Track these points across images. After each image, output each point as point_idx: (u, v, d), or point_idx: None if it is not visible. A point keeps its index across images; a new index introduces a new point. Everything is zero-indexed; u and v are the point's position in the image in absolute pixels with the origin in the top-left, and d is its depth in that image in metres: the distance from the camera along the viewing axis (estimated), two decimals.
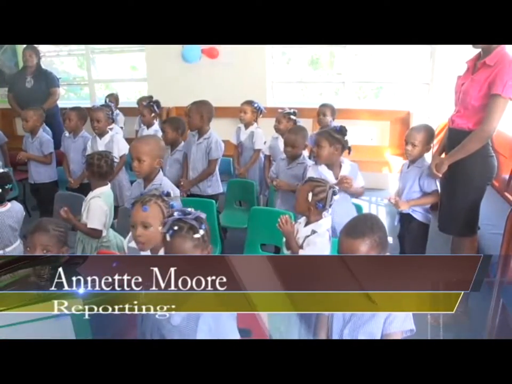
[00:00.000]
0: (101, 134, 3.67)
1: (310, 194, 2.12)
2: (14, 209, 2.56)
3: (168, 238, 1.48)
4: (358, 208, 2.96)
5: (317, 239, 2.07)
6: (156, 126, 4.28)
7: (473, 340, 1.27)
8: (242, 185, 3.71)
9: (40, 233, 1.79)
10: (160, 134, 3.98)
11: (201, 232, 1.50)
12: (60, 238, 1.84)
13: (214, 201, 3.06)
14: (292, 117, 3.73)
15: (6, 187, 2.54)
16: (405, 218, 2.84)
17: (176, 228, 1.47)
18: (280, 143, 3.44)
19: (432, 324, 2.68)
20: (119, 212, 2.81)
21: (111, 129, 3.91)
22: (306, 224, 2.16)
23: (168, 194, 1.94)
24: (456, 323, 2.66)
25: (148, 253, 1.85)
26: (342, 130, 2.71)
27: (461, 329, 2.60)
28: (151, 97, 4.82)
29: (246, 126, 4.01)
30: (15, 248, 2.54)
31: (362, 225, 1.50)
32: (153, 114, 4.29)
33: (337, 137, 2.67)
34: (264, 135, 4.05)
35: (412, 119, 4.96)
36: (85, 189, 3.16)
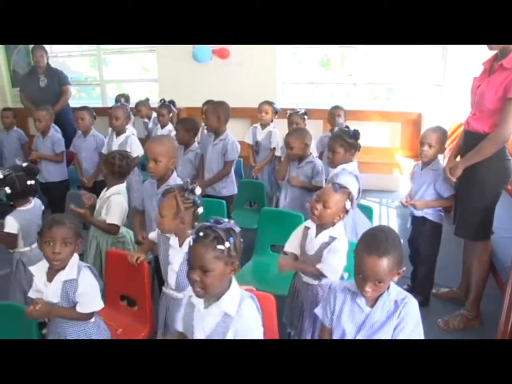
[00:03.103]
0: (119, 132, 3.71)
1: (349, 203, 2.05)
2: (36, 205, 2.59)
3: (191, 242, 1.44)
4: (369, 210, 2.94)
5: (339, 246, 2.01)
6: (170, 126, 4.31)
7: (483, 340, 1.25)
8: (253, 186, 3.71)
9: (58, 227, 1.79)
10: (173, 134, 4.01)
11: (227, 244, 1.40)
12: (76, 231, 1.85)
13: (224, 201, 3.06)
14: (305, 117, 3.75)
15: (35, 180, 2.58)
16: (418, 221, 2.82)
17: (201, 234, 1.41)
18: None
19: (442, 328, 2.67)
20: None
21: (128, 128, 3.95)
22: (320, 230, 2.07)
23: (192, 190, 1.94)
24: (467, 328, 2.64)
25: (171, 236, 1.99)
26: (356, 135, 2.70)
27: (472, 334, 2.57)
28: (126, 95, 4.91)
29: (263, 126, 4.03)
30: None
31: (384, 241, 1.46)
32: (171, 114, 4.30)
33: (351, 142, 2.67)
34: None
35: (423, 120, 4.93)
36: (96, 188, 3.17)
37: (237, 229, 1.47)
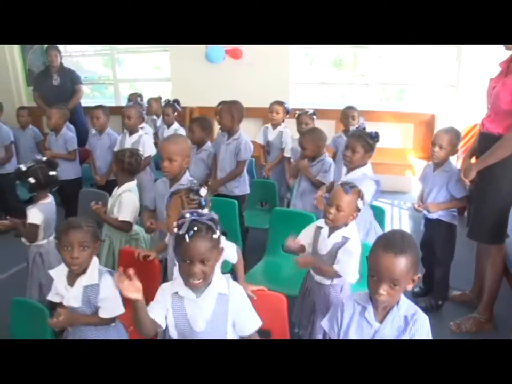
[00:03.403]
0: (132, 131, 3.74)
1: (360, 202, 2.05)
2: (52, 201, 2.65)
3: (187, 239, 1.45)
4: (381, 211, 2.92)
5: (353, 247, 2.00)
6: (176, 125, 4.35)
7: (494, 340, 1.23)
8: (265, 186, 3.71)
9: (75, 231, 1.79)
10: (179, 132, 4.06)
11: (218, 233, 1.50)
12: (93, 233, 1.86)
13: (236, 201, 3.07)
14: (314, 117, 3.75)
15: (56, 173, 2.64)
16: (431, 223, 2.79)
17: (195, 228, 1.45)
18: None
19: (454, 331, 2.64)
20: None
21: (142, 128, 3.97)
22: (333, 230, 2.06)
23: (197, 192, 1.96)
24: (480, 331, 2.61)
25: None
26: (377, 136, 2.69)
27: (485, 337, 2.54)
28: (138, 94, 4.94)
29: (274, 126, 4.03)
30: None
31: (401, 241, 1.44)
32: (175, 113, 4.33)
33: (371, 143, 2.66)
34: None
35: (436, 121, 4.88)
36: (109, 186, 3.20)
37: (216, 216, 1.55)
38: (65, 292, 1.83)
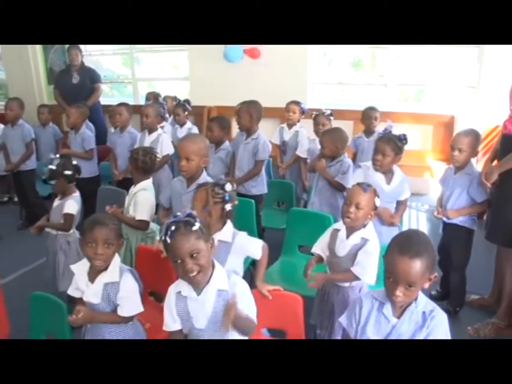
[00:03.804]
0: (150, 130, 3.76)
1: (377, 200, 2.06)
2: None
3: (168, 240, 1.50)
4: None
5: (372, 248, 2.00)
6: (189, 123, 4.37)
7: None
8: (282, 186, 3.71)
9: (100, 228, 1.80)
10: (193, 131, 4.08)
11: (197, 224, 1.53)
12: (117, 231, 1.88)
13: (253, 201, 3.07)
14: (331, 117, 3.73)
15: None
16: (450, 227, 2.75)
17: (173, 227, 1.50)
18: (318, 145, 3.41)
19: (472, 336, 2.60)
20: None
21: (162, 127, 3.99)
22: (351, 232, 2.05)
23: (223, 186, 1.98)
24: (498, 336, 2.56)
25: None
26: (405, 139, 2.67)
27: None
28: (156, 93, 4.97)
29: (290, 126, 4.03)
30: None
31: (417, 243, 1.43)
32: (186, 113, 4.35)
33: (400, 146, 2.64)
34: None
35: (456, 123, 4.81)
36: (126, 185, 3.22)
37: (194, 213, 1.59)
38: (85, 287, 1.84)
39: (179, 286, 1.61)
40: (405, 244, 1.43)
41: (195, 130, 4.32)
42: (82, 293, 1.85)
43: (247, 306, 1.58)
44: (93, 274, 1.85)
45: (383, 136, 2.75)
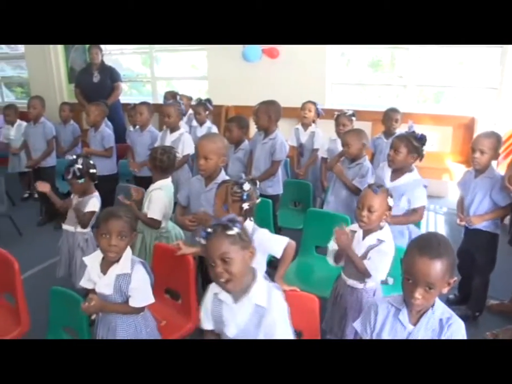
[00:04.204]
0: (173, 129, 3.77)
1: (391, 200, 2.06)
2: None
3: (203, 241, 1.49)
4: None
5: (387, 248, 1.99)
6: (209, 123, 4.37)
7: None
8: (299, 186, 3.70)
9: (114, 220, 1.84)
10: (212, 130, 4.08)
11: (236, 229, 1.48)
12: (131, 224, 1.91)
13: (270, 201, 3.07)
14: (353, 118, 3.71)
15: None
16: (472, 232, 2.68)
17: (210, 230, 1.49)
18: (339, 145, 3.40)
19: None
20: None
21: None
22: (367, 233, 2.05)
23: (241, 185, 2.00)
24: None
25: None
26: (423, 139, 2.62)
27: None
28: (174, 92, 4.99)
29: (305, 127, 4.03)
30: None
31: (436, 245, 1.40)
32: (207, 112, 4.36)
33: (416, 145, 2.59)
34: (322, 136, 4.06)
35: (476, 125, 4.73)
36: (145, 183, 3.25)
37: (239, 219, 1.55)
38: (97, 279, 1.89)
39: (217, 288, 1.57)
40: (425, 245, 1.41)
41: (214, 129, 4.31)
42: (95, 284, 1.89)
43: (285, 328, 1.53)
44: (105, 266, 1.89)
45: (400, 134, 2.74)
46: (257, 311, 1.50)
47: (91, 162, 2.75)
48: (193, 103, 4.66)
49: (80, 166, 2.62)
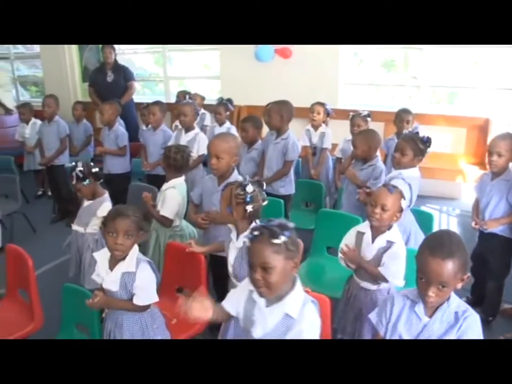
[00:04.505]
0: (187, 129, 3.76)
1: (404, 202, 2.06)
2: None
3: (248, 243, 1.44)
4: (429, 217, 2.84)
5: (399, 250, 1.99)
6: (228, 124, 4.34)
7: None
8: (311, 186, 3.70)
9: (121, 219, 1.85)
10: (232, 131, 4.05)
11: (283, 238, 1.39)
12: (138, 223, 1.91)
13: (282, 201, 3.06)
14: (368, 119, 3.69)
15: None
16: (487, 236, 2.64)
17: (256, 233, 1.41)
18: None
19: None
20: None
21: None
22: (376, 235, 2.05)
23: (244, 188, 1.99)
24: None
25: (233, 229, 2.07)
26: (429, 142, 2.62)
27: None
28: (187, 91, 5.00)
29: (315, 128, 4.02)
30: None
31: (449, 243, 1.41)
32: (227, 112, 4.35)
33: (422, 148, 2.59)
34: (334, 137, 4.05)
35: (491, 126, 4.68)
36: (158, 182, 3.27)
37: (291, 225, 1.46)
38: (105, 274, 1.91)
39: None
40: (437, 245, 1.42)
41: (234, 130, 4.23)
42: (103, 280, 1.92)
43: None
44: (112, 263, 1.91)
45: (406, 135, 2.73)
46: (286, 320, 1.45)
47: (91, 163, 2.73)
48: (213, 102, 4.64)
49: (81, 168, 2.61)
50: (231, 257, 2.05)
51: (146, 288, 1.88)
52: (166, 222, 2.68)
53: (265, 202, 2.08)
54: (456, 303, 1.49)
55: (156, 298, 1.92)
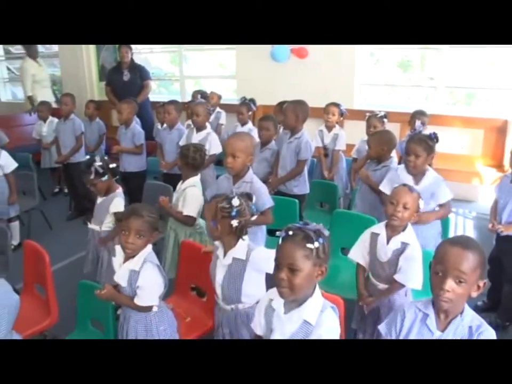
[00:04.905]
0: (199, 128, 3.77)
1: (422, 202, 2.05)
2: None
3: (280, 241, 1.41)
4: (445, 219, 2.81)
5: (414, 252, 1.97)
6: (250, 124, 4.32)
7: None
8: (325, 187, 3.68)
9: (135, 218, 1.87)
10: (253, 132, 4.01)
11: (316, 244, 1.37)
12: (152, 224, 1.92)
13: (297, 200, 3.06)
14: (384, 120, 3.66)
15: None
16: (503, 239, 2.60)
17: (291, 232, 1.39)
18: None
19: None
20: None
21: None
22: (391, 236, 2.03)
23: (230, 201, 1.88)
24: None
25: (219, 246, 1.97)
26: (436, 137, 2.61)
27: None
28: (202, 91, 5.00)
29: (329, 129, 4.01)
30: None
31: (468, 239, 1.41)
32: (250, 113, 4.34)
33: (431, 145, 2.57)
34: (350, 137, 4.04)
35: (509, 128, 4.61)
36: (173, 181, 3.29)
37: (326, 232, 1.43)
38: (118, 268, 1.95)
39: (273, 294, 1.50)
40: (457, 239, 1.42)
41: (255, 132, 4.10)
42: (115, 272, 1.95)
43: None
44: (125, 259, 1.94)
45: (413, 137, 2.70)
46: (304, 326, 1.43)
47: (107, 158, 2.74)
48: (236, 102, 4.64)
49: (101, 163, 2.60)
50: (219, 276, 1.93)
51: (147, 289, 1.88)
52: (189, 221, 2.69)
53: (254, 218, 1.95)
54: (470, 317, 1.41)
55: (155, 302, 1.92)
